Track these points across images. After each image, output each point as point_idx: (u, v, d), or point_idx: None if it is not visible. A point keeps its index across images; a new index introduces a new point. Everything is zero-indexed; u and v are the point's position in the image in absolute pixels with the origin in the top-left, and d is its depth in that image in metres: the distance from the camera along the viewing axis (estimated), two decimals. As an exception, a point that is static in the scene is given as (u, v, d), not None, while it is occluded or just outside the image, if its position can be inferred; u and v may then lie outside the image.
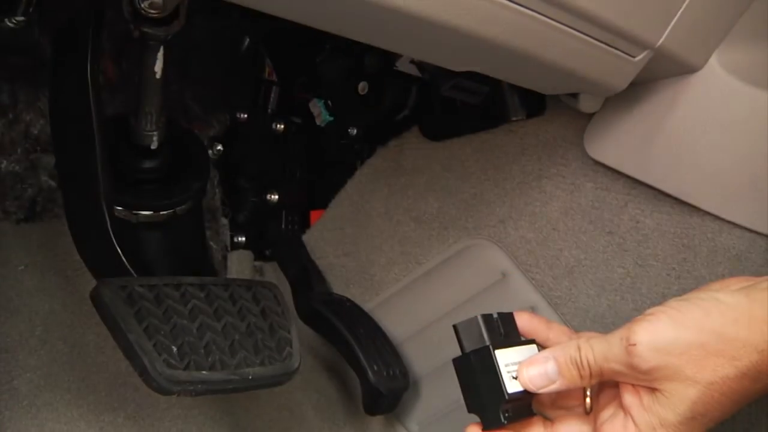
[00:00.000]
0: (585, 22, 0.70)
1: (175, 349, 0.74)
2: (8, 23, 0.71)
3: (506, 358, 0.72)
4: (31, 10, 0.70)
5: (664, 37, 0.77)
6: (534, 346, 0.75)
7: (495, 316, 0.74)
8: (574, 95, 0.92)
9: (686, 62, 0.83)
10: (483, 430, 0.72)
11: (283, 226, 1.25)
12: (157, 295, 0.78)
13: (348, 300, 1.13)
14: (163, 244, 0.99)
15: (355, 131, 1.23)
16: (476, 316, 0.73)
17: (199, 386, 0.74)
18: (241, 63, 1.22)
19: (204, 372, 0.75)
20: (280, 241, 1.25)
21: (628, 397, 0.67)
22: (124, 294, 0.75)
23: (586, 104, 0.92)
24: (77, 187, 0.83)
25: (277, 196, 1.23)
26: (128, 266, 0.81)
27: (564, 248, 1.01)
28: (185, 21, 0.78)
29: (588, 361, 0.68)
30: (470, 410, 0.73)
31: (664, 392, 0.64)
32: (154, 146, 0.90)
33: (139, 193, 0.94)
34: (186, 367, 0.74)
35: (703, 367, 0.62)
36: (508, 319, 0.76)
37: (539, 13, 0.67)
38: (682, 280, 0.94)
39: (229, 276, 1.18)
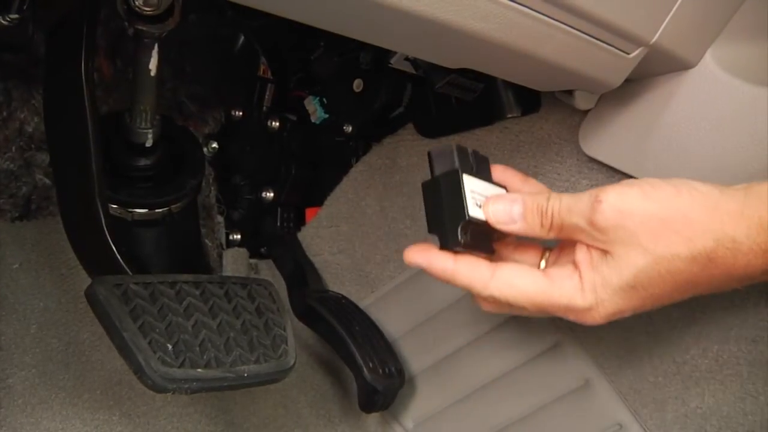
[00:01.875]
0: (579, 19, 0.70)
1: (170, 346, 0.74)
2: (2, 21, 0.71)
3: (473, 186, 0.73)
4: (25, 7, 0.70)
5: (658, 33, 0.77)
6: (503, 191, 0.76)
7: (470, 150, 0.75)
8: (569, 92, 0.91)
9: (681, 59, 0.83)
10: (440, 248, 0.72)
11: (278, 224, 1.25)
12: (152, 293, 0.78)
13: (343, 297, 1.13)
14: (159, 242, 0.99)
15: (350, 128, 1.23)
16: (451, 144, 0.74)
17: (195, 384, 0.74)
18: (236, 60, 1.21)
19: (199, 370, 0.75)
20: (276, 239, 1.25)
21: (581, 254, 0.68)
22: (119, 292, 0.75)
23: (581, 101, 0.92)
24: (72, 185, 0.83)
25: (272, 194, 1.23)
26: (123, 264, 0.81)
27: (559, 245, 1.01)
28: (180, 18, 0.78)
29: (553, 211, 0.69)
30: (431, 230, 0.74)
31: (614, 255, 0.66)
32: (148, 144, 0.90)
33: (134, 191, 0.93)
34: (181, 365, 0.74)
35: (658, 240, 0.64)
36: (483, 160, 0.76)
37: (533, 10, 0.67)
38: (677, 277, 0.94)
39: (224, 274, 1.18)
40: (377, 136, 1.23)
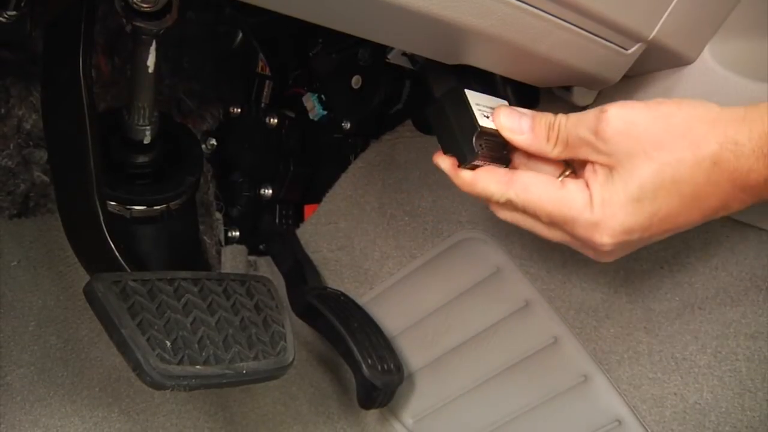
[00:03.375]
0: (578, 15, 0.70)
1: (168, 343, 0.74)
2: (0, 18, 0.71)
3: (478, 100, 0.73)
4: (23, 4, 0.70)
5: (656, 29, 0.77)
6: (506, 102, 0.76)
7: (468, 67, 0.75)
8: (568, 88, 0.91)
9: (679, 55, 0.83)
10: (459, 166, 0.73)
11: (277, 221, 1.25)
12: (150, 290, 0.77)
13: (342, 294, 1.13)
14: (157, 239, 0.98)
15: (348, 125, 1.23)
16: (446, 66, 0.74)
17: (193, 381, 0.74)
18: (234, 57, 1.21)
19: (198, 366, 0.75)
20: (274, 236, 1.24)
21: (589, 174, 0.69)
22: (118, 289, 0.75)
23: (580, 97, 0.92)
24: (70, 183, 0.83)
25: (270, 191, 1.23)
26: (122, 261, 0.81)
27: (558, 241, 1.01)
28: (178, 15, 0.78)
29: (559, 125, 0.70)
30: (445, 151, 0.74)
31: (619, 169, 0.67)
32: (147, 141, 0.90)
33: (133, 188, 0.93)
34: (180, 362, 0.74)
35: (662, 146, 0.65)
36: (481, 73, 0.77)
37: (532, 6, 0.67)
38: (675, 273, 0.94)
39: (223, 270, 1.18)
40: (376, 132, 1.23)
